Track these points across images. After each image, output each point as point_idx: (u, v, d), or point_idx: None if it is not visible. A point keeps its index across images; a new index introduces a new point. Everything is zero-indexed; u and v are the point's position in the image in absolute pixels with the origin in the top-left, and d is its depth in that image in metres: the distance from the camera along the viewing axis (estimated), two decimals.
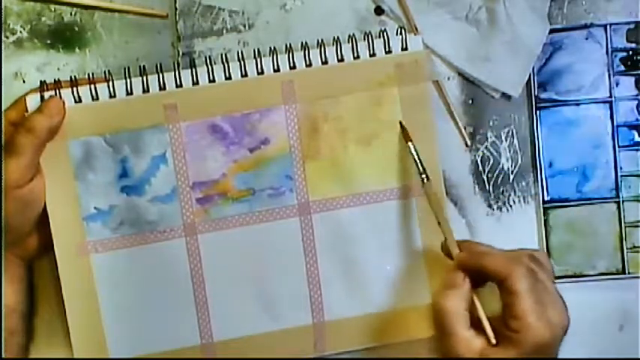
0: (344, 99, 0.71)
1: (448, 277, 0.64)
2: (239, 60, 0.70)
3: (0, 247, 0.67)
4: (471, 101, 0.75)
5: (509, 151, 0.76)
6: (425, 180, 0.68)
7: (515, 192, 0.76)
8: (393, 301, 0.72)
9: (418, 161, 0.69)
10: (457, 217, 0.75)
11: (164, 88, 0.69)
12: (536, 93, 0.75)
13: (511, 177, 0.76)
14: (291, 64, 0.70)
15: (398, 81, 0.71)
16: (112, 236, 0.70)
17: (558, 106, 0.75)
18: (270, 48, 0.70)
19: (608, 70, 0.75)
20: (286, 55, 0.70)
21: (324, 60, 0.70)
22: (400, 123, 0.71)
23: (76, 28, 0.74)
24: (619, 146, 0.75)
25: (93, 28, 0.74)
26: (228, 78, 0.70)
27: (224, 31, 0.75)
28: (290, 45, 0.70)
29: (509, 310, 0.60)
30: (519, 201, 0.76)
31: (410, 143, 0.69)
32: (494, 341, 0.61)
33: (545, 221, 0.75)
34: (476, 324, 0.62)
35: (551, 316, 0.60)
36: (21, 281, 0.70)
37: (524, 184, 0.76)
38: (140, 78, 0.69)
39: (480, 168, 0.75)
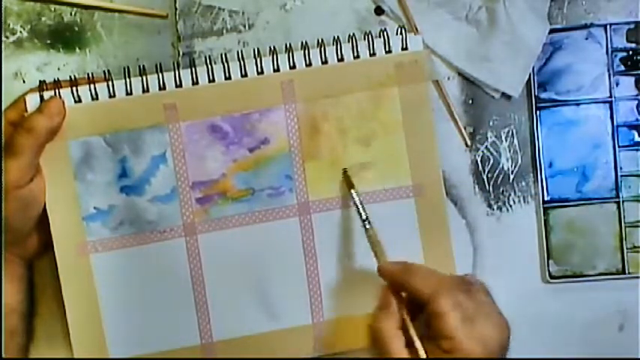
0: (344, 99, 0.71)
1: (380, 298, 0.63)
2: (239, 60, 0.70)
3: (0, 247, 0.67)
4: (471, 101, 0.75)
5: (509, 151, 0.75)
6: (367, 226, 0.67)
7: (515, 192, 0.75)
8: None
9: (360, 207, 0.68)
10: (457, 217, 0.75)
11: (164, 88, 0.69)
12: (536, 93, 0.75)
13: (511, 177, 0.76)
14: (291, 64, 0.70)
15: (398, 81, 0.71)
16: (111, 236, 0.70)
17: (558, 106, 0.75)
18: (270, 48, 0.70)
19: (608, 70, 0.75)
20: (286, 55, 0.70)
21: (323, 60, 0.70)
22: (344, 172, 0.71)
23: (76, 28, 0.74)
24: (619, 146, 0.75)
25: (93, 28, 0.74)
26: (228, 78, 0.70)
27: (224, 31, 0.75)
28: (290, 45, 0.70)
29: (438, 331, 0.58)
30: (519, 201, 0.75)
31: (352, 190, 0.69)
32: (424, 356, 0.59)
33: (545, 221, 0.75)
34: (412, 343, 0.60)
35: (482, 331, 0.59)
36: (21, 281, 0.70)
37: (524, 184, 0.75)
38: (140, 78, 0.69)
39: (480, 168, 0.75)
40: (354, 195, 0.69)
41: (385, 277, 0.64)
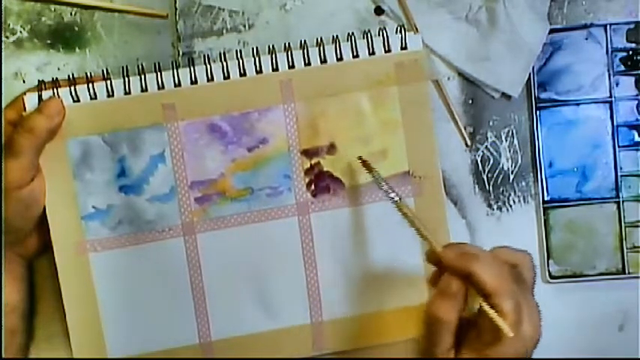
0: (343, 98, 0.70)
1: (443, 283, 0.59)
2: (237, 59, 0.70)
3: (0, 246, 0.67)
4: (471, 101, 0.75)
5: (509, 151, 0.75)
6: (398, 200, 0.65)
7: (515, 192, 0.75)
8: (392, 300, 0.72)
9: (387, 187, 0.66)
10: (457, 217, 0.75)
11: (162, 88, 0.69)
12: (536, 93, 0.75)
13: (511, 177, 0.75)
14: (290, 63, 0.70)
15: (397, 80, 0.71)
16: (110, 235, 0.70)
17: (558, 106, 0.75)
18: (269, 47, 0.70)
19: (608, 70, 0.75)
20: (285, 54, 0.70)
21: (322, 59, 0.70)
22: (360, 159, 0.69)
23: (76, 28, 0.74)
24: (619, 146, 0.75)
25: (93, 28, 0.74)
26: (227, 77, 0.70)
27: (224, 31, 0.75)
28: (289, 44, 0.70)
29: (489, 324, 0.56)
30: (519, 201, 0.75)
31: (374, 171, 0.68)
32: (511, 334, 0.56)
33: (545, 221, 0.75)
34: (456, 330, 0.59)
35: (526, 330, 0.57)
36: (22, 280, 0.71)
37: (524, 184, 0.75)
38: (138, 77, 0.69)
39: (480, 168, 0.75)
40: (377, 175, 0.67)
41: (445, 263, 0.59)
